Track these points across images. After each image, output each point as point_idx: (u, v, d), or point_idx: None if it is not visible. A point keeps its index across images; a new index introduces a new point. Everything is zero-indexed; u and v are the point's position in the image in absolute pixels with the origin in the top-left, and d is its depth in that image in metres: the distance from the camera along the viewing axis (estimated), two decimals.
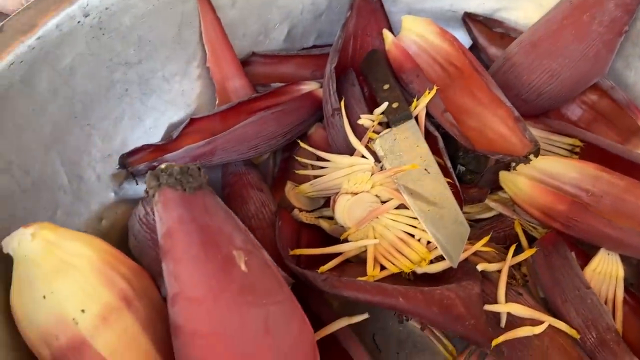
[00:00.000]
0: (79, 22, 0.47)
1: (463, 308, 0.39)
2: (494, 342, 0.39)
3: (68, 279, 0.35)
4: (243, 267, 0.33)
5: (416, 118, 0.50)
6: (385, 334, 0.48)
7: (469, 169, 0.52)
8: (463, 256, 0.44)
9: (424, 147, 0.48)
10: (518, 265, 0.50)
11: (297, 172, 0.53)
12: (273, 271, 0.35)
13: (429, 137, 0.50)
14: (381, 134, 0.48)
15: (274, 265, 0.37)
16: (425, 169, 0.47)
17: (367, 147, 0.49)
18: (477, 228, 0.52)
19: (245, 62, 0.62)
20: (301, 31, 0.65)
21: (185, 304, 0.33)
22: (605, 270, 0.48)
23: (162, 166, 0.34)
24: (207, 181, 0.35)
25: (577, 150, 0.55)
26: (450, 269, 0.44)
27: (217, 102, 0.60)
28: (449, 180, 0.47)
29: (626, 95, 0.56)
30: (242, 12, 0.61)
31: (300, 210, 0.51)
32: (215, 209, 0.34)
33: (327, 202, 0.54)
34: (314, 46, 0.65)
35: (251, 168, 0.56)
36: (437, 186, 0.45)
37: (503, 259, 0.47)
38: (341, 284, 0.40)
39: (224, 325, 0.32)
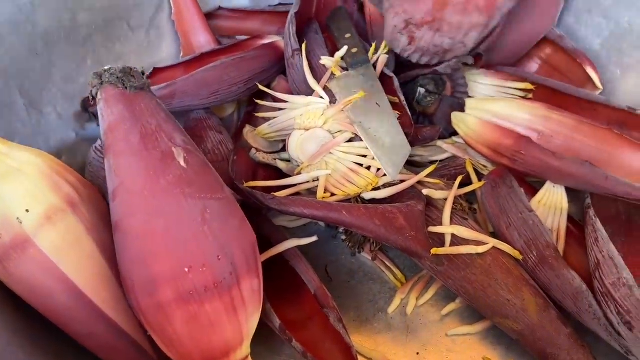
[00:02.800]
0: None
1: (404, 221, 0.40)
2: (434, 251, 0.40)
3: (15, 182, 0.36)
4: (182, 162, 0.35)
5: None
6: (338, 266, 0.49)
7: (428, 89, 0.53)
8: (409, 183, 0.46)
9: (377, 86, 0.50)
10: (471, 205, 0.52)
11: (257, 114, 0.54)
12: (213, 172, 0.36)
13: (385, 79, 0.52)
14: (338, 75, 0.50)
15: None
16: (376, 103, 0.48)
17: (325, 89, 0.51)
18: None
19: (211, 16, 0.64)
20: None
21: (124, 196, 0.34)
22: (551, 202, 0.49)
23: (106, 67, 0.35)
24: (149, 84, 0.36)
25: (530, 95, 0.57)
26: (398, 195, 0.45)
27: (181, 55, 0.62)
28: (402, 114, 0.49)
29: (574, 44, 0.58)
30: None
31: (258, 150, 0.52)
32: (157, 109, 0.35)
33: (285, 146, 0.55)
34: (280, 4, 0.67)
35: (212, 115, 0.57)
36: (384, 117, 0.47)
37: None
38: (288, 200, 0.41)
39: (160, 213, 0.33)
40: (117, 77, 0.34)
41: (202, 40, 0.62)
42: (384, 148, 0.44)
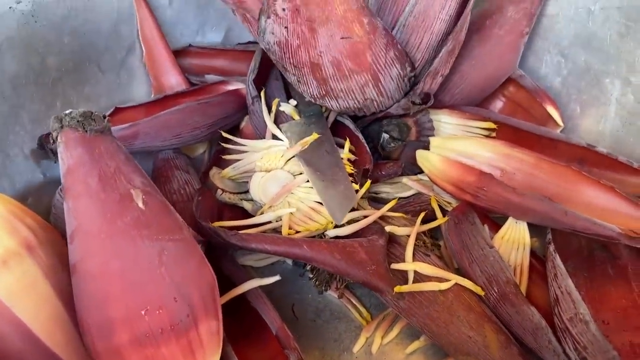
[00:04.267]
0: (10, 7, 0.50)
1: (365, 254, 0.41)
2: (397, 289, 0.41)
3: None
4: (140, 204, 0.35)
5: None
6: (304, 305, 0.49)
7: (392, 135, 0.54)
8: (371, 219, 0.46)
9: (328, 134, 0.51)
10: (436, 241, 0.52)
11: (223, 157, 0.55)
12: (173, 213, 0.37)
13: (339, 126, 0.53)
14: (290, 122, 0.51)
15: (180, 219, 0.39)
16: (326, 150, 0.49)
17: None
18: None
19: (181, 53, 0.65)
20: (238, 32, 0.69)
21: (81, 238, 0.34)
22: (514, 238, 0.50)
23: (67, 111, 0.36)
24: (110, 128, 0.37)
25: (494, 134, 0.58)
26: (361, 231, 0.46)
27: (152, 95, 0.63)
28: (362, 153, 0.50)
29: (534, 82, 0.60)
30: (180, 12, 0.64)
31: (224, 191, 0.53)
32: (116, 152, 0.36)
33: None
34: (249, 42, 0.68)
35: (181, 155, 0.58)
36: (332, 162, 0.48)
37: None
38: (249, 237, 0.41)
39: (117, 256, 0.33)
40: (78, 121, 0.35)
41: (173, 82, 0.63)
42: (330, 194, 0.45)
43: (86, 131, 0.35)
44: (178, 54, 0.64)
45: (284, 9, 0.44)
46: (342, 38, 0.45)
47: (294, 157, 0.49)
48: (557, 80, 0.61)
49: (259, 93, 0.54)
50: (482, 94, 0.61)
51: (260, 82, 0.56)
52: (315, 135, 0.48)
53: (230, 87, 0.61)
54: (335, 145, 0.50)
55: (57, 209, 0.47)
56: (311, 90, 0.50)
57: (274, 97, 0.55)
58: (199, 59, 0.66)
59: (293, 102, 0.54)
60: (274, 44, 0.47)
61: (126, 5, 0.59)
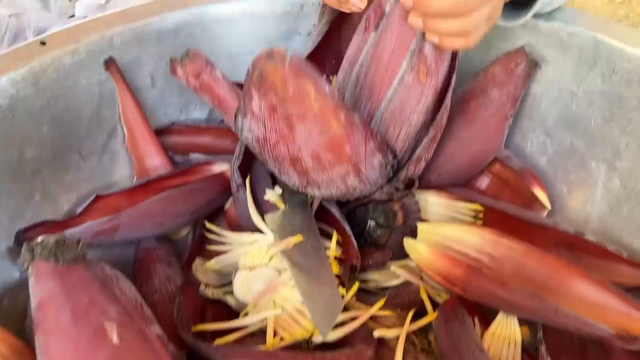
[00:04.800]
0: None
1: None
2: None
3: None
4: (115, 338, 0.33)
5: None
6: None
7: (378, 222, 0.53)
8: (359, 321, 0.45)
9: (313, 229, 0.50)
10: (425, 332, 0.51)
11: (208, 247, 0.54)
12: (150, 343, 0.35)
13: (325, 212, 0.52)
14: (274, 211, 0.50)
15: (158, 339, 0.37)
16: (311, 247, 0.48)
17: None
18: (382, 295, 0.52)
19: (164, 132, 0.64)
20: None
21: None
22: (504, 335, 0.48)
23: (39, 239, 0.34)
24: (84, 254, 0.35)
25: (480, 215, 0.58)
26: (348, 337, 0.45)
27: (135, 178, 0.61)
28: (347, 242, 0.49)
29: (521, 163, 0.60)
30: (163, 92, 0.64)
31: (207, 285, 0.52)
32: (90, 281, 0.35)
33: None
34: None
35: (163, 243, 0.56)
36: (318, 262, 0.47)
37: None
38: (233, 352, 0.40)
39: None
40: (50, 251, 0.34)
41: (156, 163, 0.62)
42: (315, 301, 0.44)
43: (59, 261, 0.34)
44: (161, 133, 0.63)
45: (260, 108, 0.44)
46: (320, 133, 0.45)
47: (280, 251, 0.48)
48: (542, 159, 0.61)
49: (244, 181, 0.53)
50: (468, 173, 0.60)
51: (246, 166, 0.55)
52: (299, 237, 0.47)
53: (216, 169, 0.61)
54: (321, 241, 0.49)
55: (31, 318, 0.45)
56: (293, 180, 0.49)
57: (260, 183, 0.54)
58: (183, 137, 0.65)
59: (278, 190, 0.54)
60: (253, 139, 0.47)
61: (108, 90, 0.59)
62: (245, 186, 0.53)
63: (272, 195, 0.53)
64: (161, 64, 0.62)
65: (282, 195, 0.53)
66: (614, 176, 0.54)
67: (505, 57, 0.57)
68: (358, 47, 0.48)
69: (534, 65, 0.56)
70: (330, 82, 0.60)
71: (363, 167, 0.47)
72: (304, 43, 0.67)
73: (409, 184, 0.53)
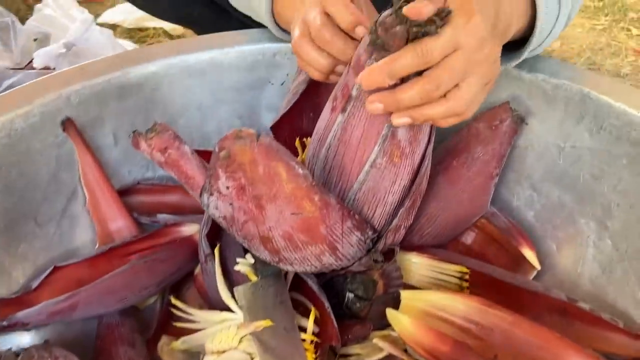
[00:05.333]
0: None
1: None
2: None
3: None
4: None
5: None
6: None
7: (357, 295, 0.50)
8: None
9: (287, 303, 0.47)
10: None
11: (174, 324, 0.50)
12: None
13: (301, 282, 0.49)
14: (245, 284, 0.46)
15: None
16: (284, 328, 0.45)
17: None
18: None
19: (129, 191, 0.60)
20: None
21: None
22: None
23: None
24: None
25: (467, 277, 0.55)
26: None
27: (97, 244, 0.57)
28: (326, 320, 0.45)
29: (508, 221, 0.57)
30: (127, 150, 0.60)
31: None
32: None
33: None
34: None
35: (127, 318, 0.52)
36: (291, 347, 0.43)
37: None
38: None
39: None
40: None
41: (121, 226, 0.58)
42: None
43: None
44: (126, 193, 0.59)
45: (227, 187, 0.40)
46: (293, 214, 0.41)
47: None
48: (530, 214, 0.58)
49: (213, 250, 0.49)
50: (452, 233, 0.57)
51: (215, 233, 0.51)
52: (268, 322, 0.43)
53: (185, 231, 0.57)
54: (295, 320, 0.45)
55: None
56: (264, 256, 0.46)
57: (230, 250, 0.51)
58: (149, 197, 0.61)
59: (250, 259, 0.50)
60: (220, 217, 0.43)
61: (66, 151, 0.55)
62: (214, 256, 0.49)
63: (243, 265, 0.49)
64: (124, 121, 0.58)
65: (254, 265, 0.50)
66: (605, 236, 0.51)
67: (489, 113, 0.54)
68: (326, 126, 0.45)
69: (519, 121, 0.54)
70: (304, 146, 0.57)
71: (340, 245, 0.44)
72: (277, 93, 0.63)
73: (389, 254, 0.49)
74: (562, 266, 0.55)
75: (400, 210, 0.47)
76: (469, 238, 0.60)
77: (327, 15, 0.44)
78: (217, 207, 0.42)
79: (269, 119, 0.65)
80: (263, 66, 0.62)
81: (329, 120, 0.44)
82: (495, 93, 0.56)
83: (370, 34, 0.38)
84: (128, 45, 0.89)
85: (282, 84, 0.63)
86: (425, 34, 0.36)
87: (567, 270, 0.55)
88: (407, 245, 0.56)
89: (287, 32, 0.58)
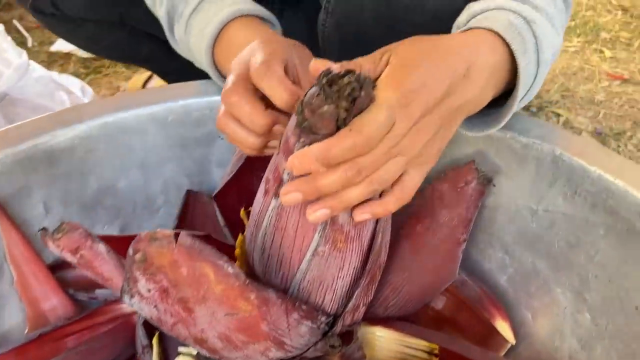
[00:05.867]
0: None
1: None
2: None
3: None
4: None
5: None
6: None
7: None
8: None
9: None
10: None
11: None
12: None
13: None
14: None
15: None
16: None
17: None
18: None
19: (63, 265, 0.54)
20: (136, 228, 0.59)
21: None
22: None
23: None
24: None
25: (436, 351, 0.50)
26: None
27: (27, 328, 0.51)
28: None
29: (479, 289, 0.52)
30: (61, 218, 0.54)
31: None
32: None
33: None
34: None
35: None
36: None
37: None
38: None
39: None
40: None
41: (55, 304, 0.52)
42: None
43: None
44: (60, 267, 0.54)
45: (149, 290, 0.36)
46: (227, 315, 0.36)
47: None
48: (502, 278, 0.53)
49: (151, 341, 0.44)
50: (419, 304, 0.52)
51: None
52: None
53: (125, 309, 0.51)
54: None
55: None
56: (204, 353, 0.41)
57: (172, 338, 0.45)
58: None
59: (193, 350, 0.45)
60: (147, 317, 0.38)
61: None
62: (151, 347, 0.44)
63: (185, 356, 0.44)
64: (56, 189, 0.52)
65: (198, 356, 0.44)
66: (583, 309, 0.47)
67: (453, 173, 0.50)
68: (261, 210, 0.40)
69: (486, 182, 0.49)
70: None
71: (287, 339, 0.39)
72: (228, 148, 0.58)
73: (348, 336, 0.44)
74: (538, 337, 0.51)
75: (357, 292, 0.42)
76: (439, 303, 0.55)
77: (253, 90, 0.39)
78: (141, 309, 0.37)
79: (219, 175, 0.60)
80: (211, 120, 0.57)
81: (262, 204, 0.39)
82: (460, 149, 0.52)
83: (297, 114, 0.33)
84: (74, 84, 0.82)
85: None
86: (360, 111, 0.32)
87: (543, 342, 0.50)
88: (371, 318, 0.51)
89: None
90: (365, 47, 0.50)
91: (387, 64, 0.34)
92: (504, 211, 0.52)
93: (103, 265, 0.37)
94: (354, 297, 0.42)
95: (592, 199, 0.45)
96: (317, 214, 0.34)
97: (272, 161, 0.39)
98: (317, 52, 0.61)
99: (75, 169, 0.53)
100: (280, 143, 0.37)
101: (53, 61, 1.17)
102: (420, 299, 0.52)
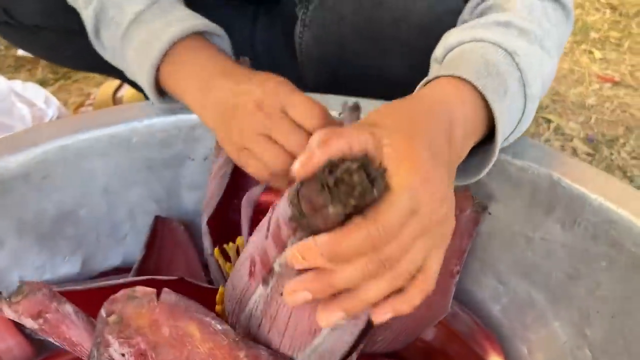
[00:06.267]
0: None
1: None
2: None
3: None
4: None
5: None
6: None
7: None
8: None
9: None
10: None
11: None
12: None
13: None
14: None
15: None
16: None
17: None
18: None
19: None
20: (101, 258, 0.54)
21: None
22: None
23: None
24: None
25: None
26: None
27: None
28: None
29: (472, 321, 0.49)
30: (16, 252, 0.50)
31: None
32: None
33: None
34: (114, 269, 0.54)
35: None
36: None
37: None
38: None
39: None
40: None
41: (11, 345, 0.48)
42: None
43: None
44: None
45: (123, 355, 0.31)
46: None
47: None
48: (496, 308, 0.50)
49: None
50: (409, 339, 0.49)
51: None
52: None
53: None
54: None
55: None
56: None
57: None
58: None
59: None
60: None
61: None
62: None
63: None
64: (9, 219, 0.48)
65: None
66: (583, 345, 0.44)
67: None
68: (244, 289, 0.35)
69: (481, 210, 0.45)
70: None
71: None
72: (199, 169, 0.54)
73: None
74: None
75: (359, 346, 0.38)
76: (429, 334, 0.52)
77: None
78: None
79: (191, 199, 0.55)
80: (180, 141, 0.52)
81: (247, 286, 0.35)
82: None
83: (291, 205, 0.27)
84: (38, 95, 0.76)
85: (205, 159, 0.54)
86: (367, 205, 0.26)
87: None
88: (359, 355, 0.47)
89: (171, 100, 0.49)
90: (348, 63, 0.46)
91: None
92: (498, 238, 0.48)
93: (71, 329, 0.33)
94: (357, 350, 0.38)
95: (593, 229, 0.41)
96: (332, 318, 0.28)
97: (257, 240, 0.35)
98: (295, 65, 0.57)
99: (30, 197, 0.48)
100: (268, 224, 0.33)
101: (20, 66, 1.11)
102: (411, 334, 0.48)
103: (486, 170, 0.39)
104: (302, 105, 0.36)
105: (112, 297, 0.31)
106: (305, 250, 0.26)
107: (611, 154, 0.87)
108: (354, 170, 0.25)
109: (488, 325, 0.50)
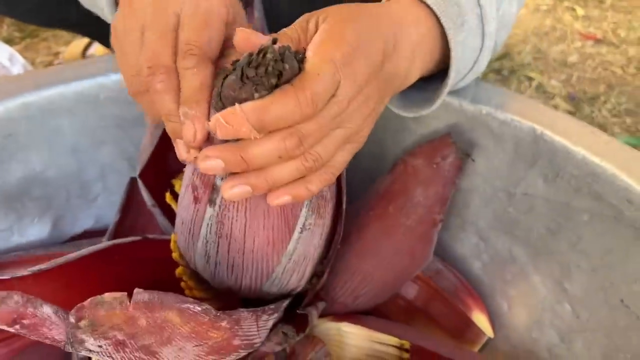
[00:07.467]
0: None
1: None
2: None
3: None
4: None
5: None
6: None
7: None
8: None
9: None
10: None
11: None
12: None
13: None
14: None
15: None
16: None
17: None
18: None
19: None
20: (72, 219, 0.52)
21: None
22: None
23: None
24: None
25: (407, 346, 0.46)
26: None
27: None
28: None
29: (455, 278, 0.48)
30: None
31: None
32: None
33: None
34: (85, 232, 0.52)
35: None
36: None
37: None
38: None
39: None
40: None
41: None
42: None
43: None
44: None
45: (100, 346, 0.30)
46: (197, 346, 0.32)
47: None
48: (476, 265, 0.50)
49: None
50: (390, 292, 0.48)
51: None
52: None
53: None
54: None
55: None
56: None
57: None
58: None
59: None
60: None
61: None
62: None
63: None
64: None
65: None
66: (563, 299, 0.43)
67: (428, 147, 0.45)
68: (193, 219, 0.34)
69: (464, 157, 0.44)
70: None
71: (257, 338, 0.35)
72: None
73: (301, 325, 0.40)
74: (514, 329, 0.47)
75: (331, 252, 0.38)
76: (410, 292, 0.51)
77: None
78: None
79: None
80: None
81: (194, 214, 0.34)
82: (431, 124, 0.47)
83: (214, 107, 0.27)
84: (2, 52, 0.72)
85: None
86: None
87: (520, 334, 0.47)
88: (341, 309, 0.47)
89: None
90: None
91: (317, 29, 0.29)
92: (479, 194, 0.47)
93: (52, 330, 0.31)
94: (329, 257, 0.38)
95: (575, 182, 0.41)
96: (235, 190, 0.28)
97: (193, 166, 0.33)
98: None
99: None
100: None
101: None
102: (392, 286, 0.47)
103: (439, 101, 0.39)
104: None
105: (78, 305, 0.29)
106: (229, 115, 0.26)
107: (592, 111, 0.86)
108: (270, 55, 0.25)
109: (469, 282, 0.50)
